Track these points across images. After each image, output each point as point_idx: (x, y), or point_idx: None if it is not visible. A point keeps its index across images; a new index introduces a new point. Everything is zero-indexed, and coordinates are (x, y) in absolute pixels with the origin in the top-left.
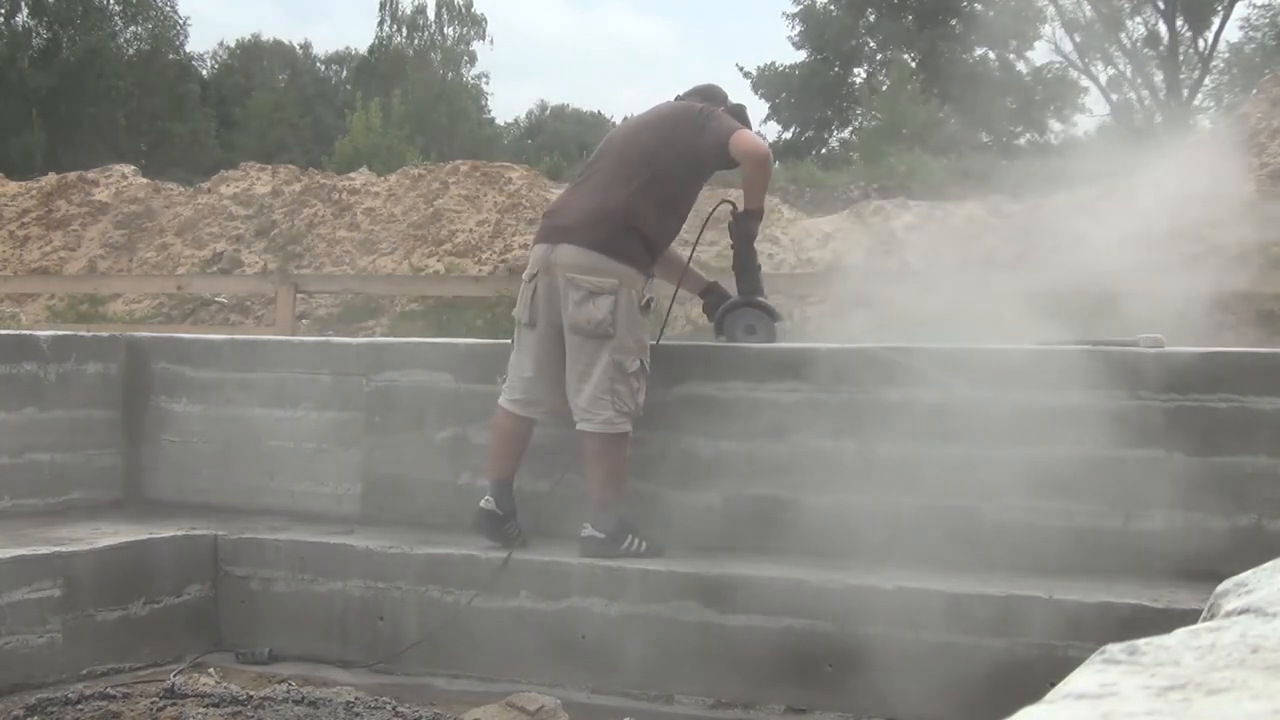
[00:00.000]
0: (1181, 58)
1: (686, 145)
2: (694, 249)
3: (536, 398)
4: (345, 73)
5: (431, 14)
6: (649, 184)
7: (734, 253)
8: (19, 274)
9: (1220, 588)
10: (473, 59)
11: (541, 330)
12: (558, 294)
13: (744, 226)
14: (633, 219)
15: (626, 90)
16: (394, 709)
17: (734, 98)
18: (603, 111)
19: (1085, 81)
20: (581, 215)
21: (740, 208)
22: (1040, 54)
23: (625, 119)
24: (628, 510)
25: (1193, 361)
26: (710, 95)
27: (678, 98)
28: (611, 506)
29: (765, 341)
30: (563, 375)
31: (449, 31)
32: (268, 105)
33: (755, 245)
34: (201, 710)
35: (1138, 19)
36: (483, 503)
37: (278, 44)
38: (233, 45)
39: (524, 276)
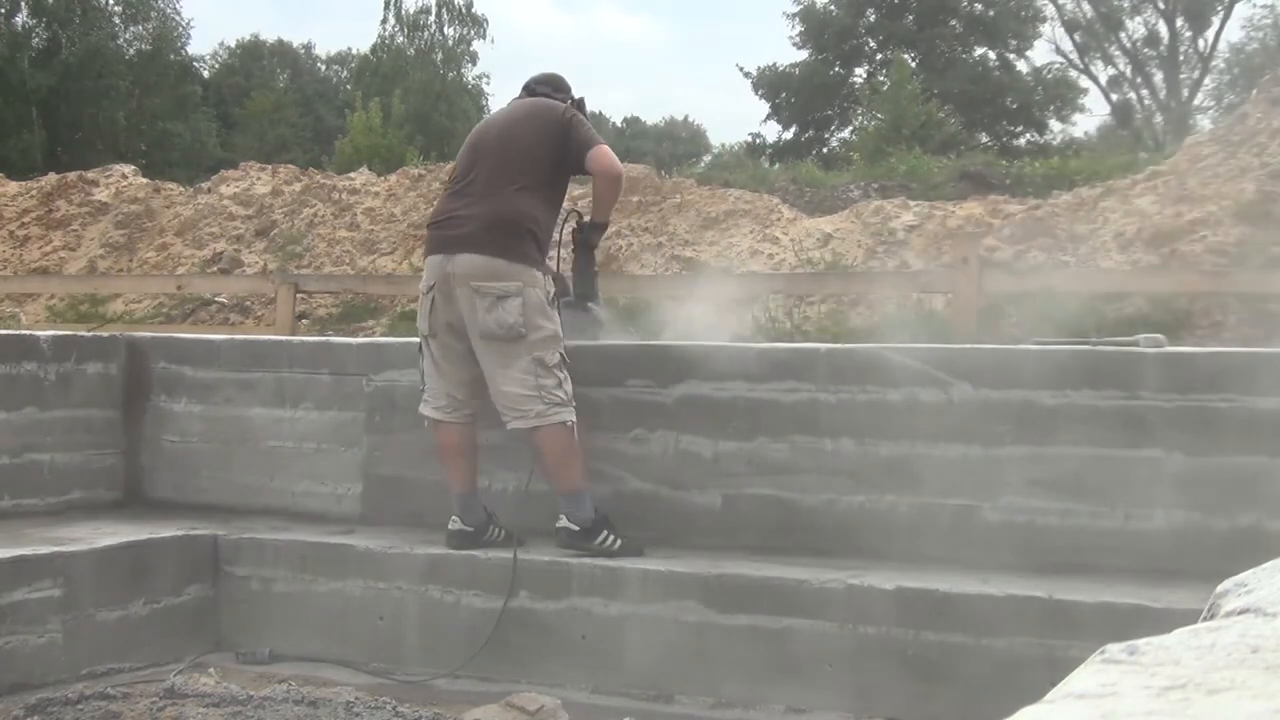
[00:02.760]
0: (1181, 58)
1: (556, 146)
2: (559, 248)
3: (457, 401)
4: (346, 73)
5: (433, 14)
6: (532, 184)
7: (574, 257)
8: (19, 274)
9: (1220, 588)
10: (474, 59)
11: (443, 340)
12: (458, 303)
13: (588, 235)
14: (525, 220)
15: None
16: (394, 709)
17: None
18: (603, 112)
19: (1085, 81)
20: (474, 223)
21: (586, 218)
22: (1040, 54)
23: (486, 116)
24: (603, 504)
25: (1193, 361)
26: (559, 85)
27: (526, 86)
28: (579, 496)
29: (591, 340)
30: (471, 378)
31: (449, 32)
32: (268, 105)
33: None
34: (201, 710)
35: (1138, 19)
36: (450, 524)
37: (278, 44)
38: (233, 46)
39: (421, 289)
